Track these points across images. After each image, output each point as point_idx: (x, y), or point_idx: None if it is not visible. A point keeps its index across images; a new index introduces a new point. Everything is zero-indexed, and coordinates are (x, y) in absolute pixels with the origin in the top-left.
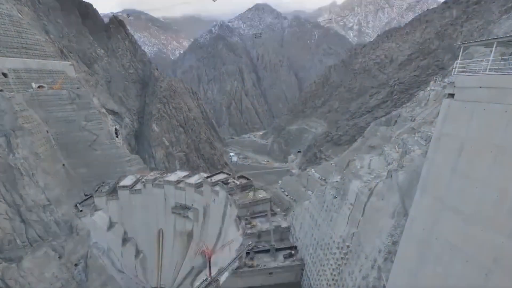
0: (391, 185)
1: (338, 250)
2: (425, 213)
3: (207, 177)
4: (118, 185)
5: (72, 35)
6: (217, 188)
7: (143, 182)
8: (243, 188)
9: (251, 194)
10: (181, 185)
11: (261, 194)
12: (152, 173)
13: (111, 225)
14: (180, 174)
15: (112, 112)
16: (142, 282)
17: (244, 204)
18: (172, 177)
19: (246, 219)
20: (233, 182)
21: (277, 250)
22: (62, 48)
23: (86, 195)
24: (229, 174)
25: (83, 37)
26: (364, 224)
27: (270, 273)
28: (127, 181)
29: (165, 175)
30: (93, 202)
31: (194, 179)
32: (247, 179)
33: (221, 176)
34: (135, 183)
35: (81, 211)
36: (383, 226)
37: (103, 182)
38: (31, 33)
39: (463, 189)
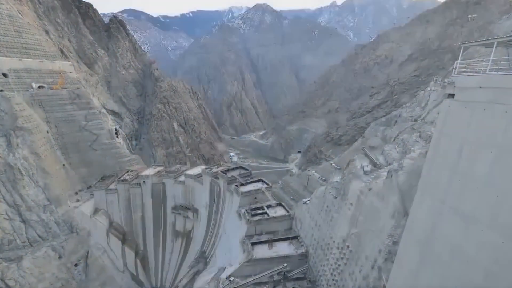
0: (391, 185)
1: (338, 250)
2: (425, 213)
3: (206, 168)
4: (118, 178)
5: (72, 35)
6: (217, 179)
7: (143, 177)
8: (243, 177)
9: None
10: (180, 178)
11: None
12: (151, 168)
13: (111, 225)
14: (179, 167)
15: (112, 112)
16: (142, 282)
17: (245, 192)
18: (171, 170)
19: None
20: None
21: (277, 240)
22: (62, 48)
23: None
24: (228, 166)
25: (83, 37)
26: (364, 224)
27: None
28: (126, 176)
29: (164, 169)
30: (92, 194)
31: (193, 171)
32: (246, 169)
33: (221, 168)
34: (135, 177)
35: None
36: (383, 226)
37: (102, 177)
38: (31, 33)
39: (463, 189)
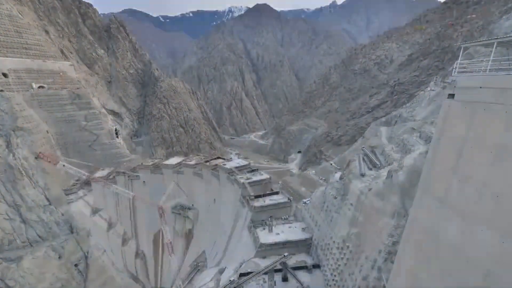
0: (391, 185)
1: (338, 250)
2: (425, 213)
3: (206, 161)
4: (116, 170)
5: (72, 35)
6: (216, 171)
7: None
8: (241, 169)
9: None
10: (180, 168)
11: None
12: (149, 160)
13: (111, 225)
14: (177, 159)
15: (112, 112)
16: (142, 282)
17: (246, 184)
18: (170, 161)
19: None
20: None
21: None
22: (62, 48)
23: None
24: (226, 159)
25: (83, 37)
26: (364, 224)
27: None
28: (125, 169)
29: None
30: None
31: (192, 162)
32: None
33: (219, 161)
34: (134, 170)
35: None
36: (383, 226)
37: (102, 169)
38: (31, 33)
39: (463, 189)
